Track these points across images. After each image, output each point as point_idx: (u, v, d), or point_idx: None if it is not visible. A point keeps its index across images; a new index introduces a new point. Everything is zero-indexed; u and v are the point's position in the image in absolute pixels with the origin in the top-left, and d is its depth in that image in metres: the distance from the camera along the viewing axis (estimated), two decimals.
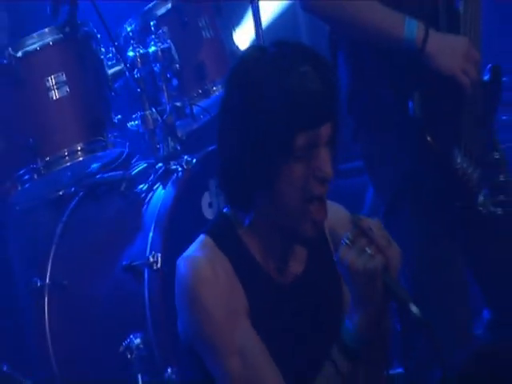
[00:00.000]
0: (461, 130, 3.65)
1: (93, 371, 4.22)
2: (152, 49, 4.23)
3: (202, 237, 2.72)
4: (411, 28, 3.48)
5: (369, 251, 2.57)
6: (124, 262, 3.95)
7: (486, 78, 3.73)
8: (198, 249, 2.72)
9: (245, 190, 2.70)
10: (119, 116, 4.30)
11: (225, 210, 2.79)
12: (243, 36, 5.32)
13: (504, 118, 5.09)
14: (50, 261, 4.24)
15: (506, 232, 3.78)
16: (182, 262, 2.69)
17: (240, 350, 2.70)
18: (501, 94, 3.81)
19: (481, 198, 3.64)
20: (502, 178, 3.71)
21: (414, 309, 2.58)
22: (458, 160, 3.61)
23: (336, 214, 2.83)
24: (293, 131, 2.59)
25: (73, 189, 4.37)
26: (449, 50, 3.55)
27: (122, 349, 3.87)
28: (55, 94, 4.20)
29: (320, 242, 2.80)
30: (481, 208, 3.61)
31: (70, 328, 4.24)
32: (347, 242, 2.58)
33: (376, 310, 2.62)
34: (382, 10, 3.55)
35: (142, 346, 3.85)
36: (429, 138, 3.60)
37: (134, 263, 3.90)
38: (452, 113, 3.59)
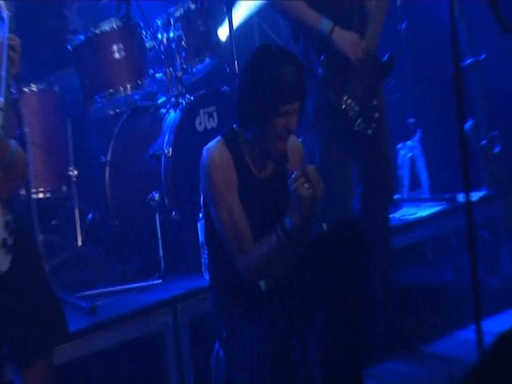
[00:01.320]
0: (349, 84, 4.86)
1: (132, 211, 5.39)
2: (171, 34, 5.49)
3: (219, 138, 3.88)
4: (325, 24, 4.75)
5: (306, 186, 3.62)
6: (151, 152, 5.18)
7: (384, 58, 4.98)
8: (214, 144, 3.85)
9: (247, 122, 3.81)
10: (151, 70, 5.50)
11: (234, 126, 3.93)
12: (222, 32, 6.38)
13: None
14: (110, 148, 5.46)
15: (376, 144, 4.99)
16: (205, 150, 3.83)
17: (228, 207, 3.80)
18: (389, 71, 4.99)
19: (357, 123, 4.85)
20: (376, 114, 4.85)
21: (324, 226, 3.63)
22: (344, 99, 4.81)
23: (295, 145, 3.96)
24: (278, 103, 3.72)
25: (124, 109, 5.58)
26: (345, 39, 4.78)
27: (148, 199, 5.05)
28: (117, 55, 5.42)
29: (283, 159, 3.88)
30: (356, 129, 4.85)
31: (120, 186, 5.46)
32: (294, 177, 3.64)
33: (305, 217, 3.69)
34: (312, 13, 4.80)
35: (159, 198, 5.05)
36: (329, 92, 4.81)
37: (157, 152, 5.13)
38: (345, 74, 4.84)
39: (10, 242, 3.58)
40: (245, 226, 3.86)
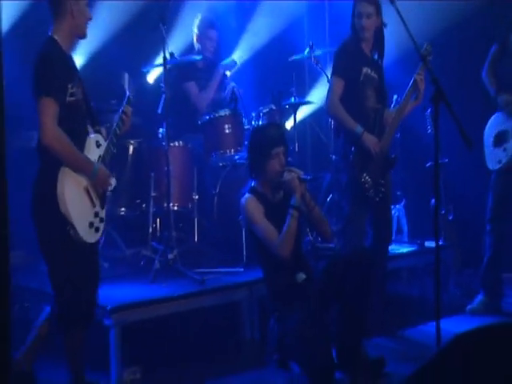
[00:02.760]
0: (368, 167, 5.28)
1: (228, 225, 5.97)
2: (259, 122, 6.26)
3: (247, 193, 4.61)
4: (359, 129, 5.24)
5: (291, 173, 4.48)
6: (242, 192, 4.82)
7: (392, 155, 5.44)
8: (246, 196, 4.61)
9: (256, 170, 4.64)
10: (246, 142, 5.42)
11: (252, 183, 4.65)
12: (288, 124, 6.85)
13: None
14: (218, 186, 6.13)
15: (381, 206, 5.46)
16: (242, 201, 4.59)
17: (263, 223, 4.55)
18: (394, 165, 5.42)
19: (370, 192, 5.32)
20: (382, 188, 5.35)
21: (306, 176, 4.52)
22: (364, 175, 5.29)
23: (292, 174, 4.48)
24: (271, 148, 4.50)
25: (228, 163, 6.19)
26: (370, 140, 5.28)
27: (238, 219, 5.17)
28: (227, 131, 6.29)
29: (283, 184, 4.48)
30: (368, 195, 5.31)
31: (222, 208, 6.05)
32: (287, 172, 4.48)
33: (298, 192, 4.49)
34: (351, 119, 5.27)
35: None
36: (355, 171, 5.33)
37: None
38: (366, 161, 5.31)
39: (97, 225, 4.07)
40: (273, 229, 4.56)
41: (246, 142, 5.69)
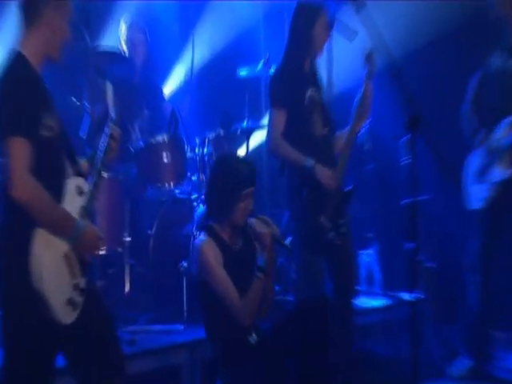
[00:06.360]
0: (324, 207, 5.14)
1: (166, 272, 5.79)
2: (205, 150, 6.13)
3: (203, 233, 4.33)
4: (309, 162, 5.00)
5: (264, 225, 4.31)
6: (184, 232, 5.69)
7: (346, 189, 5.18)
8: (202, 237, 4.34)
9: (220, 209, 4.38)
10: (189, 173, 6.00)
11: (208, 222, 4.42)
12: (241, 152, 6.66)
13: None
14: (155, 226, 5.96)
15: (343, 251, 5.26)
16: (197, 242, 4.33)
17: (220, 274, 4.27)
18: (350, 199, 5.21)
19: (330, 235, 5.13)
20: (343, 229, 5.13)
21: (286, 242, 4.40)
22: (321, 219, 5.09)
23: (254, 222, 4.41)
24: (243, 189, 4.26)
25: (167, 198, 6.03)
26: (323, 172, 5.02)
27: (178, 265, 5.53)
28: (165, 160, 6.07)
29: (246, 234, 4.43)
30: (330, 239, 5.13)
31: (160, 253, 5.92)
32: (256, 222, 4.32)
33: (268, 251, 4.31)
34: (297, 153, 5.08)
35: (186, 266, 5.46)
36: (309, 211, 5.13)
37: (188, 233, 5.59)
38: (322, 199, 5.12)
39: (76, 299, 3.54)
40: (233, 286, 4.34)
41: (190, 174, 5.90)
